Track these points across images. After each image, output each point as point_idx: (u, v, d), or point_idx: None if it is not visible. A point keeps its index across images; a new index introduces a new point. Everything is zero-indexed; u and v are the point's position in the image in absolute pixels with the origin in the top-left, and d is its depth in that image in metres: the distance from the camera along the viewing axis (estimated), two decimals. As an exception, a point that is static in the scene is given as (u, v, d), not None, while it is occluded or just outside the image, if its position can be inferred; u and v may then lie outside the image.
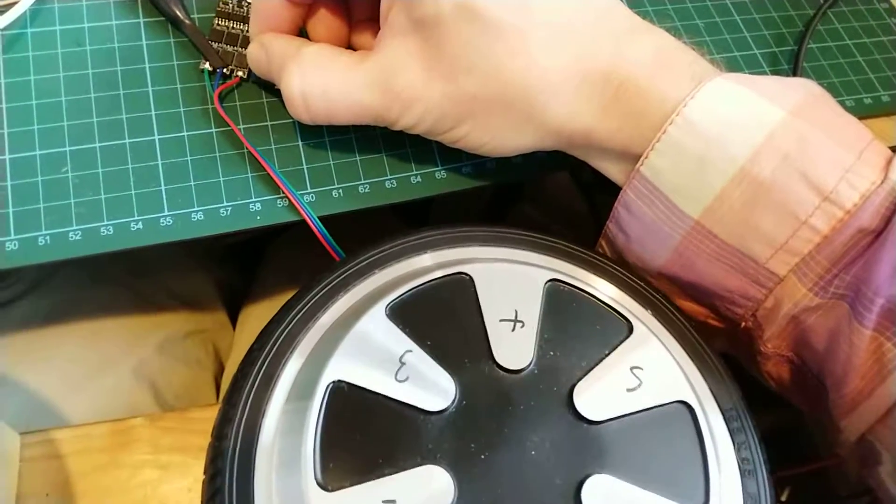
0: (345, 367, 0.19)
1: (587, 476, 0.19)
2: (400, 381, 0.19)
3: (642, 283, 0.24)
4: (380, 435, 0.19)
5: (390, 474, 0.18)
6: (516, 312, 0.21)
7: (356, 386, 0.19)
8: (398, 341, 0.20)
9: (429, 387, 0.19)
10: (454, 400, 0.19)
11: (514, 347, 0.20)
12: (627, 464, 0.19)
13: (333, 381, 0.19)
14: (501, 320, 0.21)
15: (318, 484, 0.18)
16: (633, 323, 0.22)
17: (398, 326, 0.20)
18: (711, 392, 0.21)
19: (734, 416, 0.21)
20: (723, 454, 0.20)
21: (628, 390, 0.20)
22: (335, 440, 0.18)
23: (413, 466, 0.18)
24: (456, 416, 0.19)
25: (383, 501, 0.17)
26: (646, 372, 0.21)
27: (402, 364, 0.19)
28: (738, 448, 0.21)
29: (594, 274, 0.23)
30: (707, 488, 0.19)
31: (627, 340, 0.21)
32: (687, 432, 0.20)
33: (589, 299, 0.22)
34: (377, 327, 0.20)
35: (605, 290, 0.23)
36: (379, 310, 0.20)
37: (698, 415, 0.20)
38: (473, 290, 0.21)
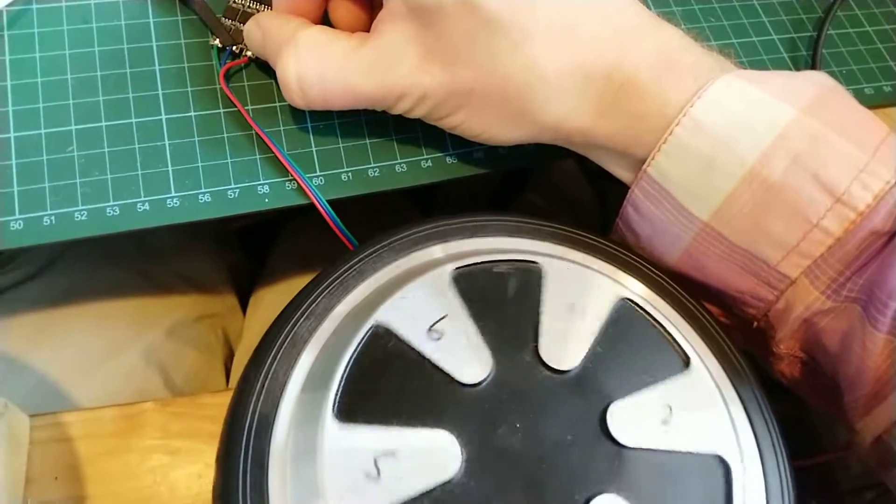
0: (392, 314, 0.19)
1: (598, 493, 0.18)
2: (440, 345, 0.19)
3: (711, 321, 0.23)
4: (404, 386, 0.19)
5: (404, 424, 0.18)
6: (577, 317, 0.21)
7: (396, 335, 0.19)
8: (453, 305, 0.20)
9: (466, 359, 0.19)
10: (486, 378, 0.19)
11: (563, 349, 0.20)
12: (644, 495, 0.19)
13: (377, 325, 0.19)
14: (559, 320, 0.21)
15: (332, 412, 0.18)
16: (692, 359, 0.21)
17: (458, 292, 0.20)
18: (759, 451, 0.20)
19: (775, 480, 0.20)
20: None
21: (666, 424, 0.20)
22: (361, 380, 0.19)
23: (426, 426, 0.18)
24: (484, 394, 0.19)
25: (385, 449, 0.18)
26: (691, 413, 0.20)
27: (449, 329, 0.20)
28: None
29: (665, 301, 0.23)
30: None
31: (681, 375, 0.21)
32: (716, 488, 0.19)
33: (654, 325, 0.22)
34: (439, 286, 0.20)
35: (672, 319, 0.22)
36: (445, 271, 0.21)
37: (734, 474, 0.19)
38: (539, 283, 0.21)
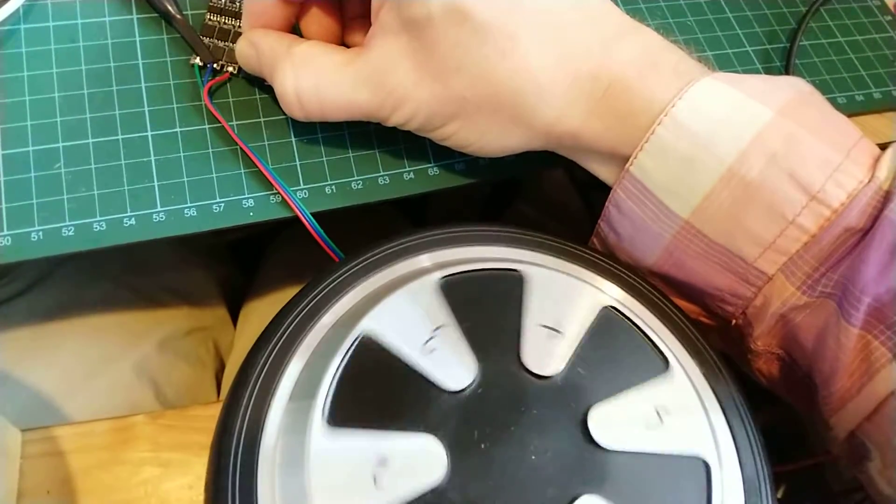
0: (379, 323, 0.20)
1: (580, 494, 0.19)
2: (426, 351, 0.20)
3: (689, 325, 0.23)
4: (391, 394, 0.19)
5: (391, 430, 0.18)
6: (559, 323, 0.21)
7: (382, 345, 0.20)
8: (439, 313, 0.21)
9: (452, 366, 0.20)
10: (471, 385, 0.20)
11: (545, 355, 0.21)
12: (625, 496, 0.19)
13: (364, 334, 0.20)
14: (541, 326, 0.21)
15: (320, 420, 0.18)
16: (672, 362, 0.21)
17: (444, 300, 0.21)
18: (737, 451, 0.21)
19: (753, 480, 0.20)
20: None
21: (647, 427, 0.20)
22: (350, 386, 0.19)
23: (413, 431, 0.19)
24: (468, 400, 0.19)
25: (376, 454, 0.18)
26: (671, 416, 0.20)
27: (434, 336, 0.20)
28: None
29: (646, 306, 0.23)
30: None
31: (661, 379, 0.21)
32: (695, 489, 0.19)
33: (635, 332, 0.22)
34: (425, 294, 0.21)
35: (652, 325, 0.23)
36: (432, 279, 0.21)
37: (713, 475, 0.20)
38: (521, 290, 0.22)
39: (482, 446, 0.19)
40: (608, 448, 0.19)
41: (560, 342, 0.21)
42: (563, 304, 0.22)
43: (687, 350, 0.22)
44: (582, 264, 0.24)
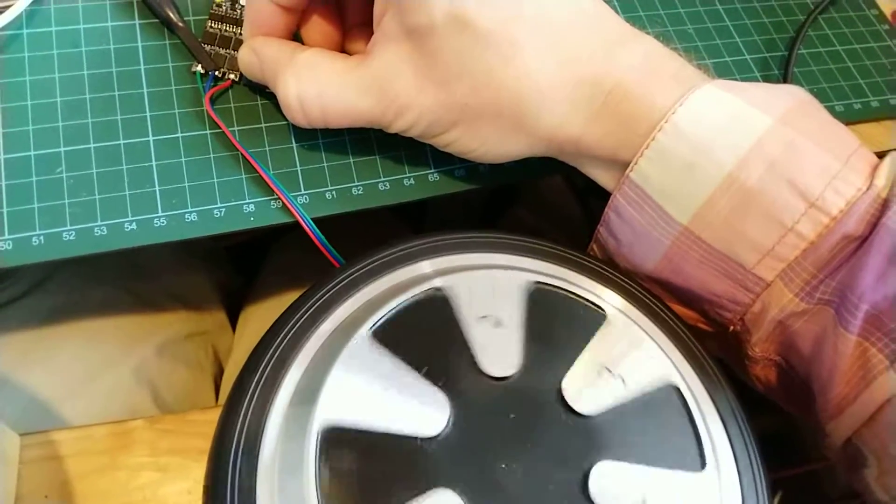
0: (334, 409, 0.19)
1: (591, 466, 0.19)
2: (393, 410, 0.19)
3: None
4: (381, 471, 0.18)
5: None
6: (497, 319, 0.21)
7: (349, 428, 0.19)
8: (386, 366, 0.20)
9: (423, 410, 0.19)
10: (449, 420, 0.19)
11: (500, 355, 0.21)
12: (625, 447, 0.20)
13: (325, 428, 0.18)
14: (483, 329, 0.21)
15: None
16: (609, 312, 0.22)
17: (386, 350, 0.20)
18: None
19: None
20: (711, 423, 0.21)
21: (612, 378, 0.21)
22: (337, 488, 0.18)
23: (419, 494, 0.18)
24: (454, 435, 0.19)
25: None
26: (627, 358, 0.21)
27: (393, 390, 0.19)
28: (722, 416, 0.22)
29: (570, 269, 0.24)
30: (701, 452, 0.20)
31: (604, 329, 0.22)
32: (675, 409, 0.21)
33: (566, 295, 0.22)
34: (363, 355, 0.20)
35: (581, 283, 0.23)
36: (362, 335, 0.20)
37: (684, 392, 0.21)
38: (450, 304, 0.21)
39: (487, 469, 0.19)
40: (592, 415, 0.20)
41: (508, 337, 0.21)
42: (493, 300, 0.22)
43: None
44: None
